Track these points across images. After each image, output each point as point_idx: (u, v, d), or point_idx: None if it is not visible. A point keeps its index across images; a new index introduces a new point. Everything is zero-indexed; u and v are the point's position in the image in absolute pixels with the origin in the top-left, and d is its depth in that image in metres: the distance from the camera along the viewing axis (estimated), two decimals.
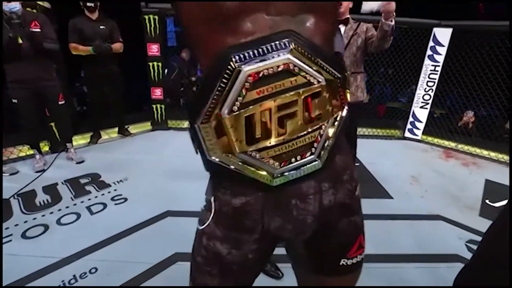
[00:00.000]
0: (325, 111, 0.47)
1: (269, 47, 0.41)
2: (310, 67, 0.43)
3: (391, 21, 1.82)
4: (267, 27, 0.43)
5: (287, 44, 0.41)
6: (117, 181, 2.40)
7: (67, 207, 2.03)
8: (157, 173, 2.57)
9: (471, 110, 4.23)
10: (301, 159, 0.47)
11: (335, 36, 0.54)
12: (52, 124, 2.90)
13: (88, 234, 1.73)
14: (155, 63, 3.64)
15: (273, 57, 0.41)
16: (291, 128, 0.44)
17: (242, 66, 0.40)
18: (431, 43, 3.47)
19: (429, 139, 3.85)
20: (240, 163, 0.45)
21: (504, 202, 2.34)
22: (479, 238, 1.77)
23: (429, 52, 3.50)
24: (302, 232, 0.54)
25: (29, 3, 2.70)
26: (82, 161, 2.76)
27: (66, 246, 1.63)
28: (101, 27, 2.95)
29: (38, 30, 2.32)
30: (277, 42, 0.41)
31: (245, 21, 0.42)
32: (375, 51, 2.03)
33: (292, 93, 0.43)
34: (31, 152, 2.74)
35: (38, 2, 2.85)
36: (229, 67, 0.41)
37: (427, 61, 3.54)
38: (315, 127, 0.46)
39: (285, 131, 0.44)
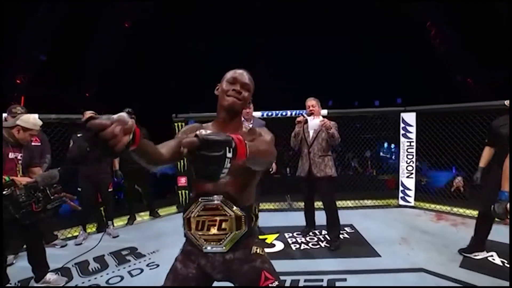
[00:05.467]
0: (230, 228, 1.06)
1: (213, 197, 1.06)
2: (228, 207, 1.05)
3: (331, 130, 2.73)
4: (211, 186, 1.06)
5: (219, 198, 1.05)
6: (151, 252, 2.96)
7: (113, 271, 2.59)
8: (181, 245, 3.10)
9: (460, 175, 4.70)
10: (215, 245, 1.07)
11: (248, 186, 1.12)
12: (102, 208, 3.65)
13: None
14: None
15: (213, 201, 1.06)
16: (212, 230, 1.06)
17: (202, 201, 1.06)
18: (402, 125, 4.27)
19: (421, 204, 4.26)
20: (192, 236, 1.09)
21: (484, 254, 2.63)
22: (454, 285, 2.10)
23: (402, 131, 4.27)
24: (214, 271, 1.10)
25: None
26: (118, 236, 3.45)
27: None
28: None
29: None
30: (216, 196, 1.06)
31: (203, 184, 1.08)
32: (332, 144, 2.86)
33: (215, 217, 1.06)
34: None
35: None
36: (198, 200, 1.08)
37: (402, 139, 4.27)
38: (222, 233, 1.05)
39: (209, 231, 1.06)
